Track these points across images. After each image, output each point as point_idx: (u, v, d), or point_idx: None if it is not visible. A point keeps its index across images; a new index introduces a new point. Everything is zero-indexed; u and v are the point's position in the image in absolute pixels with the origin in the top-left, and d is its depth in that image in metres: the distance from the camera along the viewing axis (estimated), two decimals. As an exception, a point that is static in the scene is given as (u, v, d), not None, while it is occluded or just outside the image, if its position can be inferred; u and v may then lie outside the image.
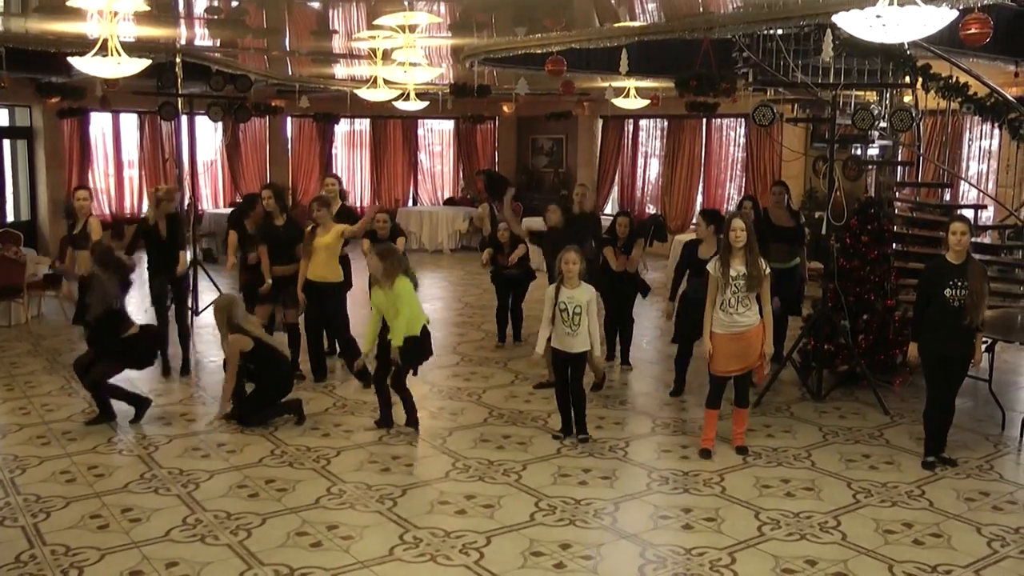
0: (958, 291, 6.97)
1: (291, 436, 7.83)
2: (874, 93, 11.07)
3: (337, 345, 10.02)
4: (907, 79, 9.92)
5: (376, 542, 5.82)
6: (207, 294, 12.05)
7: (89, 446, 7.56)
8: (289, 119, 22.43)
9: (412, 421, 8.01)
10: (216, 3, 10.50)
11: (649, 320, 12.67)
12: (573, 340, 7.57)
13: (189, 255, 11.79)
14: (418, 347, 7.91)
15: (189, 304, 11.14)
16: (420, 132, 23.99)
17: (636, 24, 10.76)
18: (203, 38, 12.98)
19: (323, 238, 9.17)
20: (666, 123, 20.66)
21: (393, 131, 23.45)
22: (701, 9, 10.23)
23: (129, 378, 8.61)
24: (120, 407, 8.21)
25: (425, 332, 7.97)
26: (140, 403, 8.25)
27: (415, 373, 8.07)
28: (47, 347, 11.00)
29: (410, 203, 23.44)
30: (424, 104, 16.17)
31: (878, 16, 6.09)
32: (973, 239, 10.99)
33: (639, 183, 21.53)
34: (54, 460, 7.22)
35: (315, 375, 9.55)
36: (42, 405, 8.68)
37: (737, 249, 7.21)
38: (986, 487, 6.85)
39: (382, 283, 7.83)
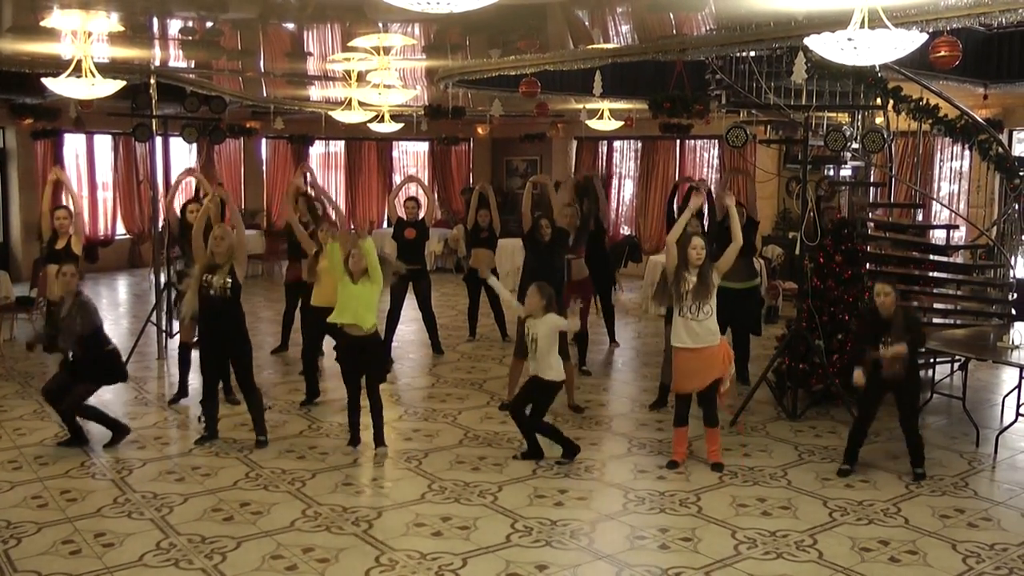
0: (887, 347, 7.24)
1: (266, 459, 7.77)
2: (846, 114, 11.17)
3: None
4: (878, 101, 10.03)
5: (352, 565, 5.78)
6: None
7: (62, 470, 7.47)
8: (264, 140, 22.42)
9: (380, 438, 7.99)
10: (191, 24, 10.50)
11: (625, 341, 12.71)
12: (533, 364, 7.71)
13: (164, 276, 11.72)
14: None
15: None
16: (395, 154, 24.02)
17: (610, 46, 10.82)
18: (178, 59, 12.96)
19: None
20: (640, 144, 20.77)
21: (368, 153, 23.47)
22: (674, 31, 10.31)
23: (103, 401, 8.54)
24: (97, 430, 8.12)
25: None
26: (119, 429, 8.14)
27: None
28: (20, 370, 10.88)
29: (384, 224, 23.38)
30: (399, 126, 16.24)
31: (849, 39, 6.18)
32: (946, 258, 11.20)
33: (613, 204, 21.59)
34: (26, 485, 7.12)
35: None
36: (14, 429, 8.58)
37: (694, 267, 7.37)
38: (961, 504, 6.89)
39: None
